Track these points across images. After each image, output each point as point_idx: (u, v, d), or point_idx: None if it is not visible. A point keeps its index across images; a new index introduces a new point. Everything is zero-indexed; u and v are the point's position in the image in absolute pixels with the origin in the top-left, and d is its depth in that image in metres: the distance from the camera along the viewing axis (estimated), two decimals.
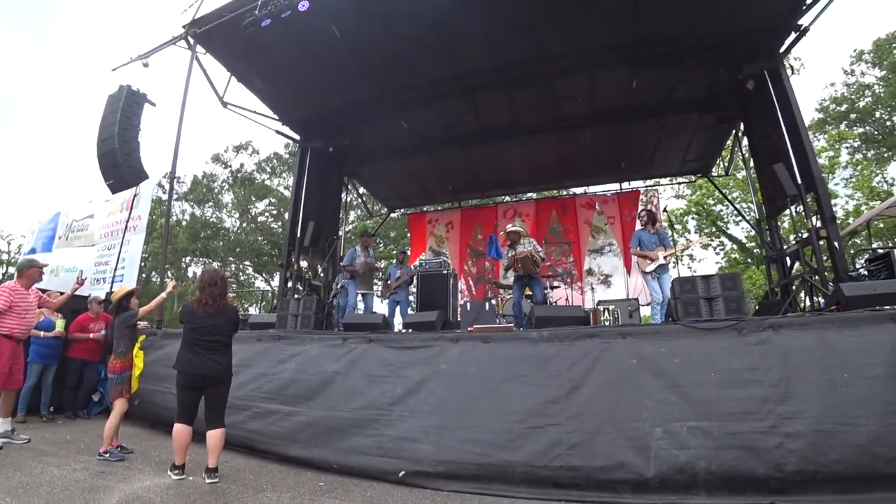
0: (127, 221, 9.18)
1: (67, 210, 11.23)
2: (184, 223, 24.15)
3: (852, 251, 14.22)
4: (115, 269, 8.91)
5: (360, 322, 5.60)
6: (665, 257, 6.38)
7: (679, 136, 9.88)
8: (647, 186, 12.09)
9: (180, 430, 3.62)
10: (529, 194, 13.16)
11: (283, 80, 8.20)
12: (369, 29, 6.86)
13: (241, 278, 26.93)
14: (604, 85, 8.20)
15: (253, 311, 23.15)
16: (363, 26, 6.80)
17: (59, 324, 6.01)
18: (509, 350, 3.99)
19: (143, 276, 23.73)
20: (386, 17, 6.61)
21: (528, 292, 6.72)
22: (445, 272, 8.20)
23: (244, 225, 24.95)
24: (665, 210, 11.39)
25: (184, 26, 7.36)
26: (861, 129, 20.33)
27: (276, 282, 22.04)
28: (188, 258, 24.96)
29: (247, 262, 25.40)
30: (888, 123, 20.00)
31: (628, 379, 3.56)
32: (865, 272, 6.72)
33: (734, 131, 9.62)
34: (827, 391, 3.19)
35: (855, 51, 20.58)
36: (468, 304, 7.51)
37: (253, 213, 24.70)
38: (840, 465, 2.98)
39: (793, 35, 6.89)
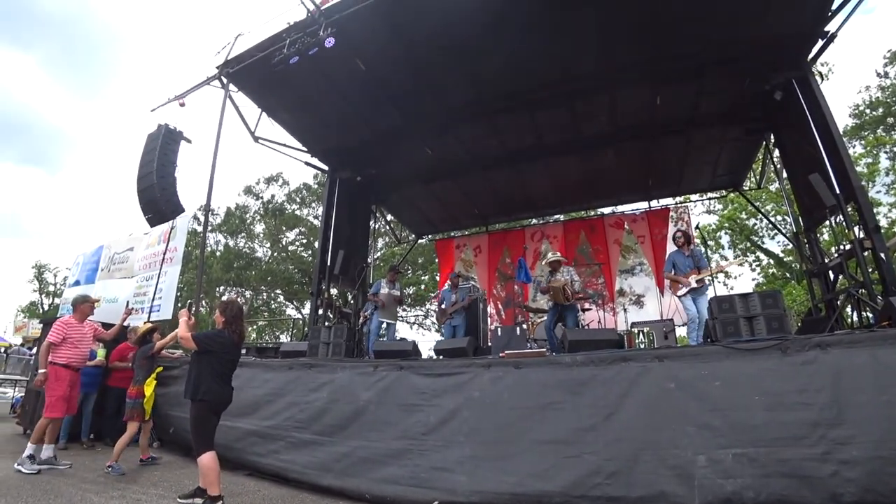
0: (164, 253, 9.52)
1: (109, 243, 11.72)
2: (218, 254, 24.91)
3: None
4: (153, 300, 9.21)
5: (391, 349, 5.61)
6: (697, 281, 6.19)
7: (707, 150, 9.72)
8: (676, 203, 11.85)
9: (214, 457, 3.58)
10: (557, 216, 13.06)
11: (310, 114, 8.51)
12: (392, 60, 7.10)
13: (273, 306, 27.44)
14: (626, 102, 8.20)
15: (284, 338, 23.54)
16: (386, 58, 7.05)
17: (100, 353, 6.23)
18: (542, 375, 3.91)
19: (179, 305, 24.46)
20: (408, 48, 6.83)
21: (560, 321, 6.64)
22: (475, 297, 8.17)
23: (275, 254, 25.55)
24: (697, 227, 11.12)
25: (217, 67, 7.77)
26: None
27: (306, 310, 22.39)
28: (222, 287, 25.65)
29: (278, 291, 25.91)
30: None
31: (667, 404, 3.42)
32: None
33: (764, 143, 9.38)
34: (885, 413, 2.98)
35: (889, 52, 19.92)
36: (499, 329, 7.45)
37: (284, 243, 25.30)
38: None
39: (820, 42, 6.75)
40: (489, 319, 11.27)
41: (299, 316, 23.56)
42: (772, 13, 6.35)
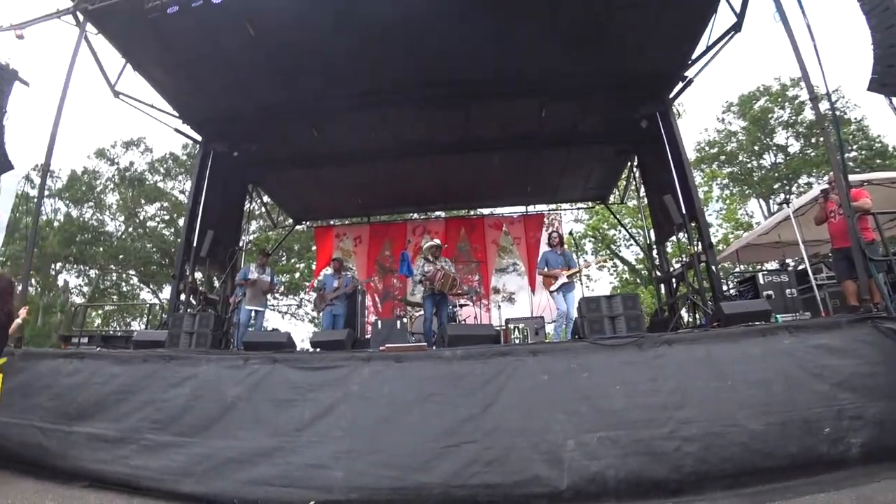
0: None
1: None
2: (56, 224, 21.18)
3: (722, 274, 16.15)
4: None
5: (264, 340, 5.21)
6: (568, 276, 6.76)
7: (582, 165, 10.67)
8: (549, 210, 12.85)
9: None
10: (439, 213, 13.34)
11: (186, 75, 7.53)
12: (286, 31, 6.55)
13: (124, 289, 24.16)
14: (517, 112, 8.61)
15: (137, 326, 20.84)
16: (280, 28, 6.48)
17: None
18: (423, 369, 3.93)
19: None
20: (304, 21, 6.36)
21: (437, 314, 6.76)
22: (357, 286, 7.99)
23: (130, 230, 22.49)
24: (571, 233, 12.19)
25: (72, 0, 6.52)
26: (729, 169, 23.53)
27: (165, 294, 20.07)
28: (59, 264, 21.90)
29: (131, 272, 22.87)
30: (749, 165, 23.37)
31: (541, 394, 3.66)
32: (736, 292, 7.64)
33: (629, 163, 10.55)
34: (715, 397, 3.54)
35: (726, 102, 23.95)
36: (379, 322, 7.35)
37: (142, 218, 22.38)
38: (728, 462, 3.31)
39: (680, 84, 7.80)
40: (366, 311, 11.16)
41: (156, 301, 21.05)
42: (648, 53, 7.17)
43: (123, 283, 23.99)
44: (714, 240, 19.50)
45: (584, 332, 4.68)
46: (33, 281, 21.69)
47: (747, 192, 23.21)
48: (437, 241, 6.89)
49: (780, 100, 21.92)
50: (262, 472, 3.57)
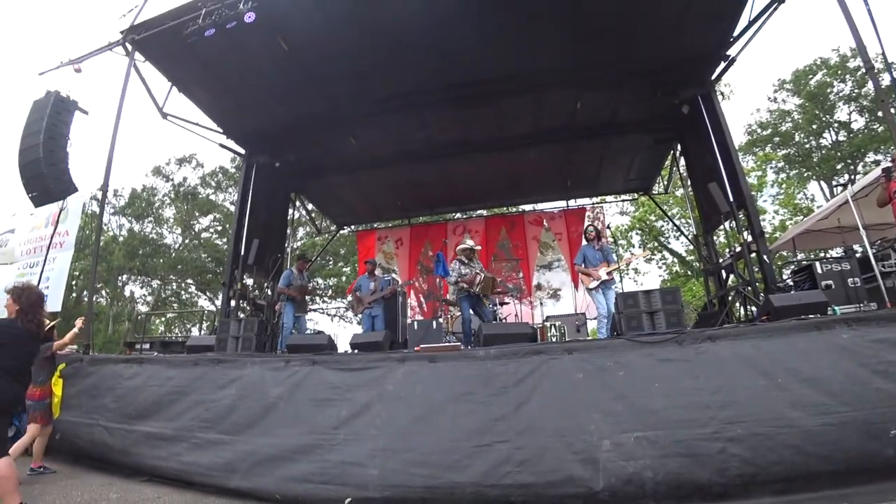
0: (52, 237, 8.50)
1: None
2: (121, 239, 22.74)
3: (779, 263, 15.23)
4: None
5: (305, 343, 5.39)
6: (608, 273, 6.55)
7: (621, 155, 10.33)
8: (593, 204, 12.52)
9: (9, 464, 3.16)
10: (479, 211, 13.28)
11: (227, 93, 7.93)
12: (317, 43, 6.76)
13: (184, 297, 25.58)
14: (549, 105, 8.46)
15: (196, 332, 22.03)
16: (311, 40, 6.70)
17: None
18: (456, 369, 3.94)
19: (74, 295, 22.06)
20: (335, 31, 6.53)
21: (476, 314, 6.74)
22: (396, 289, 8.09)
23: (186, 241, 23.79)
24: (609, 227, 11.84)
25: (122, 32, 7.00)
26: (784, 151, 22.07)
27: (220, 301, 21.09)
28: (125, 276, 23.47)
29: (189, 281, 24.18)
30: (807, 146, 21.82)
31: (575, 393, 3.58)
32: (791, 283, 7.17)
33: (672, 151, 10.14)
34: (763, 396, 3.33)
35: (778, 80, 22.45)
36: (415, 323, 7.41)
37: (196, 229, 23.64)
38: (778, 465, 3.11)
39: (722, 64, 7.41)
40: (411, 311, 11.29)
41: (213, 307, 22.15)
42: (683, 35, 6.85)
43: (183, 292, 25.39)
44: (770, 227, 18.64)
45: (621, 328, 4.55)
46: (103, 293, 23.41)
47: (806, 174, 21.67)
48: (471, 243, 6.84)
49: (839, 72, 20.26)
50: (301, 469, 3.70)
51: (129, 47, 7.05)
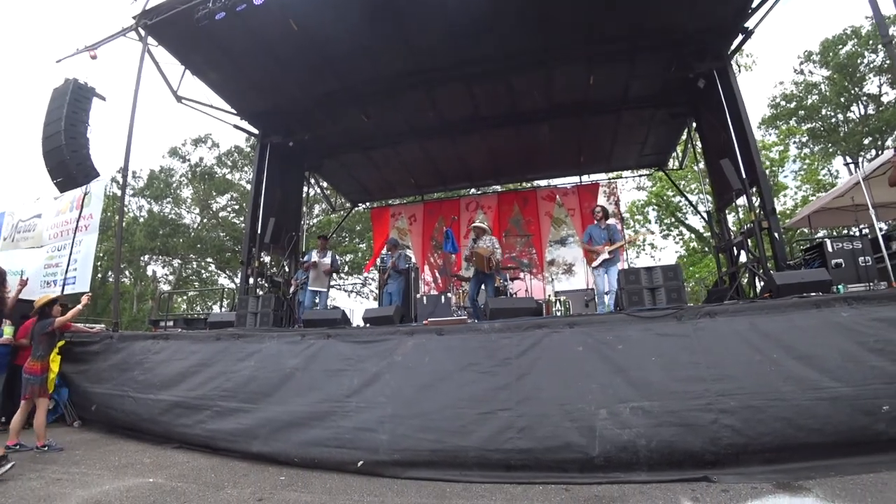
0: (77, 221, 8.84)
1: (12, 210, 10.66)
2: (141, 220, 23.31)
3: (794, 241, 14.97)
4: (67, 271, 8.57)
5: (320, 318, 5.62)
6: (609, 252, 6.56)
7: (635, 130, 10.23)
8: (608, 179, 12.43)
9: None
10: (494, 187, 13.30)
11: (239, 74, 8.06)
12: (327, 22, 6.81)
13: (204, 276, 26.25)
14: (561, 80, 8.42)
15: (217, 309, 22.71)
16: (321, 20, 6.75)
17: (7, 331, 5.71)
18: (462, 341, 4.10)
19: (99, 276, 22.85)
20: (344, 11, 6.57)
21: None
22: (406, 266, 8.28)
23: (205, 221, 24.28)
24: (619, 203, 11.78)
25: (134, 17, 7.15)
26: (809, 125, 21.40)
27: (239, 279, 21.60)
28: (147, 256, 24.15)
29: (209, 259, 24.77)
30: (833, 120, 21.11)
31: (575, 365, 3.72)
32: (803, 261, 7.14)
33: (687, 127, 9.99)
34: (756, 370, 3.43)
35: (804, 52, 21.59)
36: (424, 298, 7.63)
37: (214, 209, 24.05)
38: (768, 437, 3.23)
39: (740, 37, 7.25)
40: (425, 287, 11.51)
41: (232, 285, 22.73)
42: (699, 5, 6.71)
43: (203, 271, 26.04)
44: (791, 203, 18.23)
45: (623, 304, 4.65)
46: (127, 273, 24.14)
47: (831, 149, 21.02)
48: (477, 222, 7.03)
49: (871, 42, 19.39)
50: (317, 435, 3.95)
51: (142, 32, 7.21)
